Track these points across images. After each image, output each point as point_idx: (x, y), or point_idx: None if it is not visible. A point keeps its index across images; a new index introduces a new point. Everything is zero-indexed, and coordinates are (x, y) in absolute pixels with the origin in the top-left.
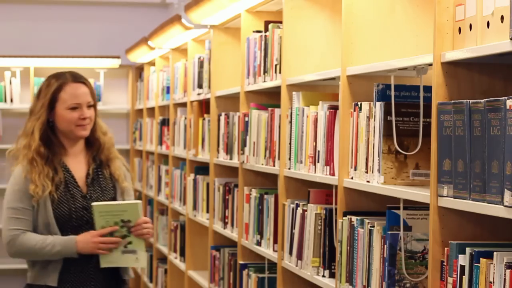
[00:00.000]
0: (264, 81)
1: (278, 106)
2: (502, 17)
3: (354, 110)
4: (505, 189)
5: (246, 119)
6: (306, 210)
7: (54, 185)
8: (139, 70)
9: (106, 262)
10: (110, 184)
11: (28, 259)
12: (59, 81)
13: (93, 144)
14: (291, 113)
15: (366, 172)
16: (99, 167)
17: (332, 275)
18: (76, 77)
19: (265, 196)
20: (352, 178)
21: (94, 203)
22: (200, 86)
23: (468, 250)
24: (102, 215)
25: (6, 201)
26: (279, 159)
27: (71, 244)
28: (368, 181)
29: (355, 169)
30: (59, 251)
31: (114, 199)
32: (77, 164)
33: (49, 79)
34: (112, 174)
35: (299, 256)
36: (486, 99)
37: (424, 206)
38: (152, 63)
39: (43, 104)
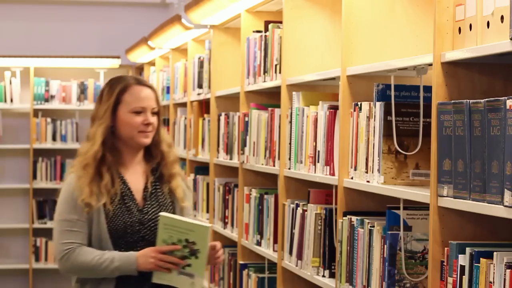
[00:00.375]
0: (264, 81)
1: (278, 106)
2: (502, 17)
3: (354, 110)
4: (505, 189)
5: (246, 119)
6: (306, 210)
7: (109, 196)
8: (139, 70)
9: (159, 278)
10: (169, 200)
11: (83, 276)
12: (123, 82)
13: (154, 156)
14: (291, 113)
15: (366, 172)
16: (157, 181)
17: (332, 275)
18: (141, 81)
19: (265, 196)
20: (352, 178)
21: (162, 213)
22: (200, 86)
23: (468, 250)
24: (166, 228)
25: (58, 213)
26: (279, 159)
27: (131, 260)
28: (368, 181)
29: (355, 169)
30: (117, 267)
31: None
32: (135, 176)
33: (111, 81)
34: (172, 191)
35: (299, 256)
36: (486, 99)
37: (424, 206)
38: (152, 63)
39: (107, 107)
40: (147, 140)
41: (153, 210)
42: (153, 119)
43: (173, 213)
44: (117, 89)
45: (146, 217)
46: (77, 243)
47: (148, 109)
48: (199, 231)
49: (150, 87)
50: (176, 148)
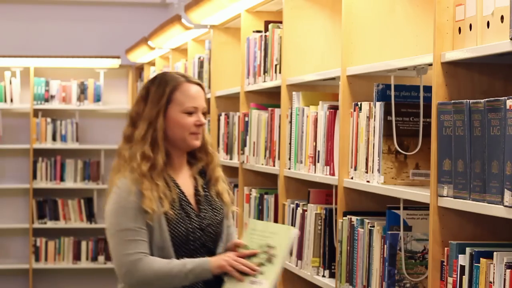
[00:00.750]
0: (264, 81)
1: (278, 106)
2: (502, 17)
3: (354, 110)
4: (505, 189)
5: (246, 119)
6: (306, 210)
7: (169, 201)
8: (139, 70)
9: None
10: (219, 204)
11: (153, 287)
12: (174, 80)
13: (199, 158)
14: (291, 113)
15: (366, 172)
16: (206, 185)
17: (332, 275)
18: (190, 78)
19: (265, 196)
20: (352, 178)
21: (250, 219)
22: None
23: (468, 250)
24: (252, 233)
25: (116, 223)
26: (279, 159)
27: (203, 260)
28: (368, 181)
29: (355, 169)
30: (191, 270)
31: (222, 221)
32: (184, 179)
33: (157, 79)
34: (219, 194)
35: (299, 256)
36: (486, 99)
37: (424, 206)
38: (152, 63)
39: (159, 108)
40: (198, 143)
41: (209, 214)
42: (205, 120)
43: (222, 217)
44: (167, 87)
45: (204, 222)
46: (142, 253)
47: (200, 109)
48: (284, 233)
49: (200, 84)
50: None
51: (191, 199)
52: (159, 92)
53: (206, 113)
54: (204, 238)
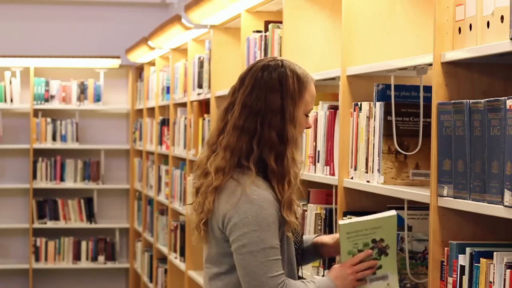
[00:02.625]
0: None
1: None
2: (502, 17)
3: (354, 110)
4: (505, 189)
5: None
6: (306, 210)
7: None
8: (139, 70)
9: None
10: None
11: None
12: (306, 77)
13: None
14: None
15: (366, 172)
16: None
17: None
18: (311, 76)
19: None
20: (352, 178)
21: (341, 222)
22: (200, 86)
23: (468, 250)
24: (349, 237)
25: (260, 239)
26: None
27: (329, 285)
28: (368, 181)
29: (355, 169)
30: None
31: None
32: None
33: (296, 71)
34: None
35: None
36: (486, 99)
37: (424, 206)
38: (152, 63)
39: (297, 103)
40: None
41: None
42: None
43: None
44: (304, 84)
45: (297, 226)
46: (283, 274)
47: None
48: (386, 224)
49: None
50: (176, 148)
51: None
52: (299, 87)
53: None
54: (298, 244)
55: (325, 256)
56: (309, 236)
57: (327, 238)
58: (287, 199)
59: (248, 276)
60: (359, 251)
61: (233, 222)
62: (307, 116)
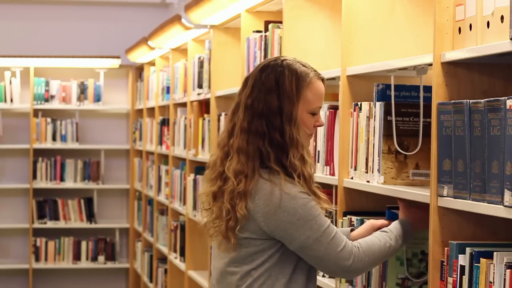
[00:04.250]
0: None
1: None
2: (502, 17)
3: (354, 110)
4: (505, 189)
5: None
6: None
7: None
8: (139, 70)
9: None
10: None
11: (375, 266)
12: (308, 75)
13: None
14: None
15: (366, 172)
16: None
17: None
18: (319, 73)
19: None
20: (352, 178)
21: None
22: (200, 86)
23: (468, 250)
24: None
25: (319, 225)
26: None
27: (401, 223)
28: (368, 181)
29: (355, 169)
30: (398, 236)
31: None
32: None
33: (293, 68)
34: None
35: None
36: (486, 99)
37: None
38: (152, 63)
39: (295, 102)
40: (309, 144)
41: None
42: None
43: None
44: (304, 83)
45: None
46: (347, 241)
47: (320, 109)
48: None
49: (324, 80)
50: (176, 148)
51: None
52: (297, 85)
53: None
54: None
55: None
56: (344, 229)
57: (363, 230)
58: (310, 193)
59: (323, 261)
60: (407, 260)
61: (286, 221)
62: (313, 114)
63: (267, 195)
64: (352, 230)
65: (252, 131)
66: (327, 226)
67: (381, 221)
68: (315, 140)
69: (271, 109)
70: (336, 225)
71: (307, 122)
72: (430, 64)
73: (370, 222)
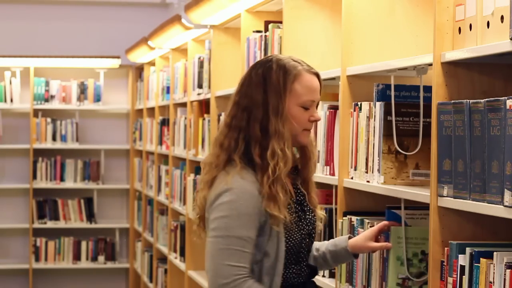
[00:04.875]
0: None
1: None
2: (502, 17)
3: (354, 110)
4: (505, 189)
5: None
6: None
7: (285, 206)
8: (139, 70)
9: None
10: (309, 206)
11: None
12: (296, 69)
13: (300, 157)
14: None
15: (366, 172)
16: (300, 184)
17: (332, 275)
18: (310, 67)
19: None
20: (352, 178)
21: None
22: (200, 86)
23: (468, 250)
24: (400, 242)
25: (226, 227)
26: None
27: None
28: (368, 181)
29: (355, 169)
30: None
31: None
32: (286, 179)
33: (281, 63)
34: (310, 195)
35: None
36: (486, 99)
37: (424, 206)
38: (152, 63)
39: (282, 95)
40: (307, 140)
41: (313, 219)
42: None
43: (315, 220)
44: (291, 75)
45: (310, 227)
46: (247, 270)
47: (316, 103)
48: None
49: (318, 74)
50: (176, 148)
51: (295, 202)
52: (285, 79)
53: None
54: (310, 245)
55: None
56: (342, 237)
57: (361, 240)
58: (267, 192)
59: (207, 260)
60: (408, 260)
61: (212, 207)
62: (306, 108)
63: (217, 184)
64: (350, 238)
65: (232, 126)
66: (236, 236)
67: (378, 227)
68: (315, 140)
69: (255, 102)
70: (336, 225)
71: (299, 116)
72: (430, 64)
73: (369, 231)
